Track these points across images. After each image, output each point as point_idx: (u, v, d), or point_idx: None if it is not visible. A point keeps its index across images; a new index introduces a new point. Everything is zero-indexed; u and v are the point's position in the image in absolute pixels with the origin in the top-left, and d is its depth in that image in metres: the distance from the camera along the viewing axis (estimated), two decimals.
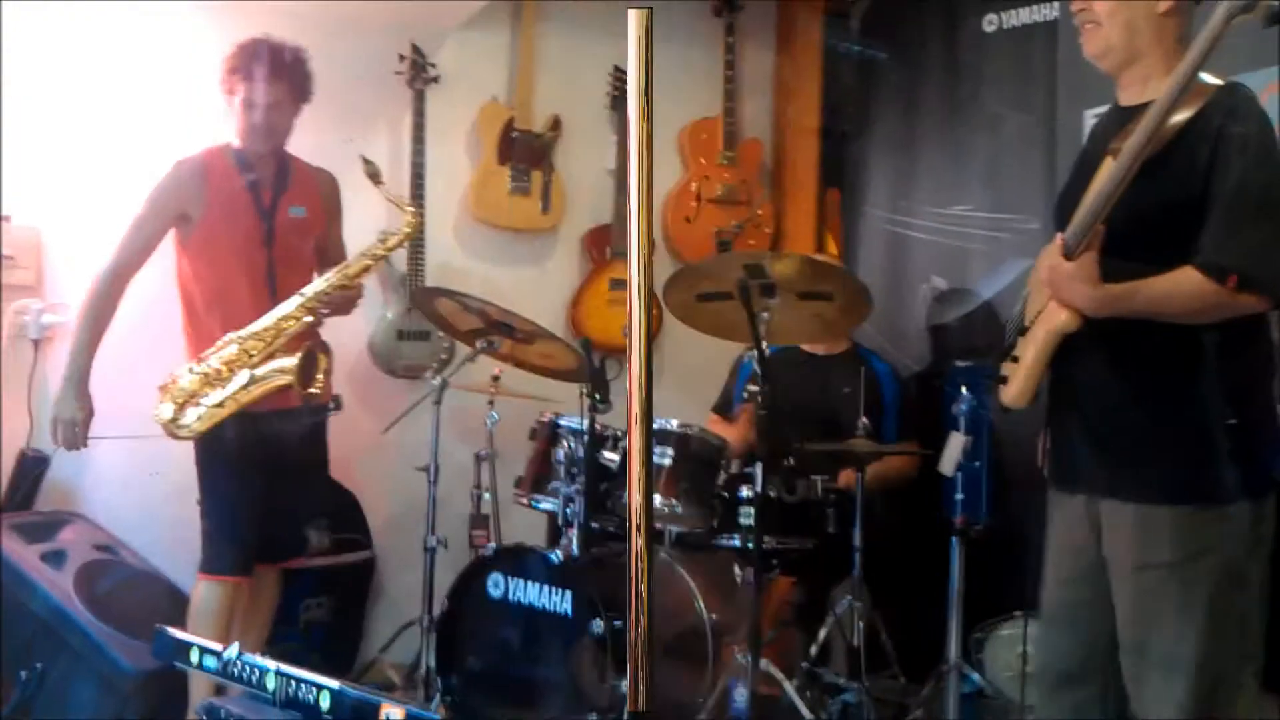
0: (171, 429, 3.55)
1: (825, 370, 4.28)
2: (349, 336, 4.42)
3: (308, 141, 3.82)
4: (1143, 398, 2.41)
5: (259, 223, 3.64)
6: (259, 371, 3.51)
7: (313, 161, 3.84)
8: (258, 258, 3.63)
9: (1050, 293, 2.44)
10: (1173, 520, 2.36)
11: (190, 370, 3.54)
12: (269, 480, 3.63)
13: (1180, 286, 2.29)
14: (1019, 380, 2.50)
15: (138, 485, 4.18)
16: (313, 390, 3.55)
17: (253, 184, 3.65)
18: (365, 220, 4.08)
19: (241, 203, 3.64)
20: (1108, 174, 2.35)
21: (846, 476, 3.94)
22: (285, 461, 3.65)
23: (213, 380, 3.51)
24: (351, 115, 4.49)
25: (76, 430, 3.56)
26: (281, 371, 3.50)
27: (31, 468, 4.02)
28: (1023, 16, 4.40)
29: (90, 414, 3.58)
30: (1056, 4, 4.20)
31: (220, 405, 3.52)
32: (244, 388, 3.51)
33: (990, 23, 4.50)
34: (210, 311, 3.62)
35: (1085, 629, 2.53)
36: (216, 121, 3.78)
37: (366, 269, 3.62)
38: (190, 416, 3.53)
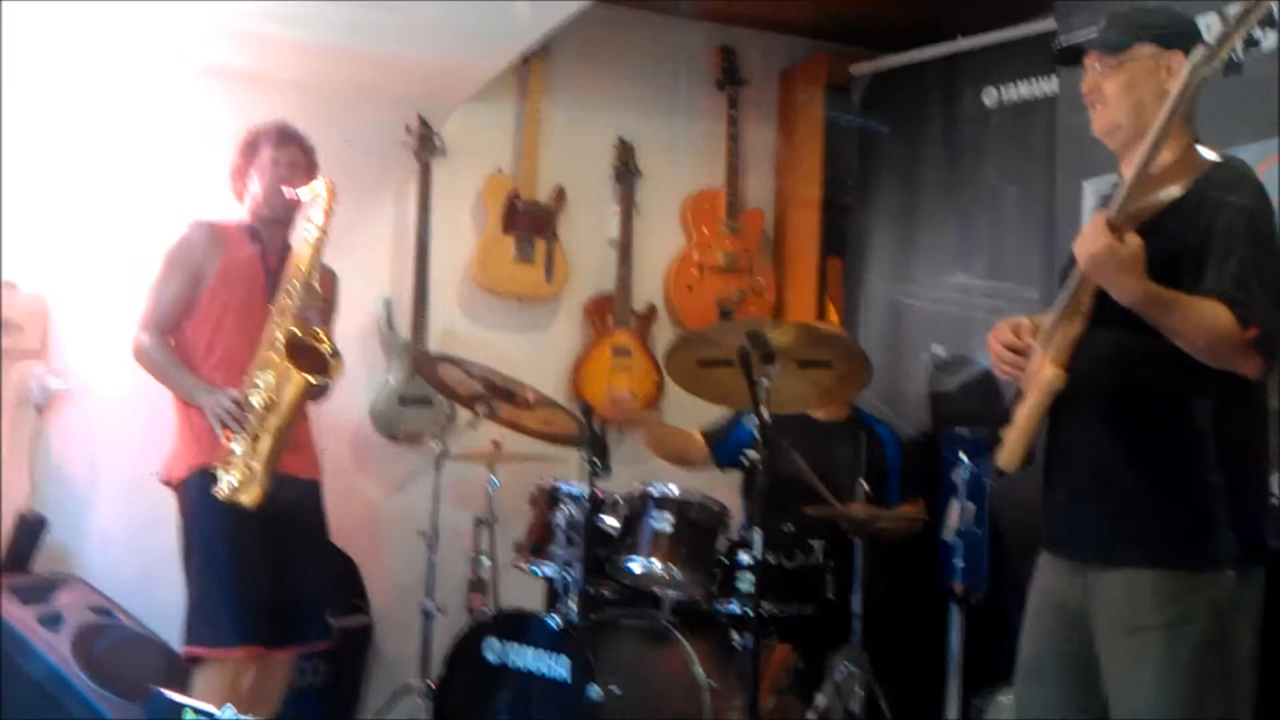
0: (237, 497, 3.35)
1: (826, 435, 4.27)
2: (351, 401, 4.45)
3: None
4: (1133, 461, 2.40)
5: (267, 292, 3.58)
6: (261, 397, 3.39)
7: None
8: (263, 320, 3.52)
9: (1091, 271, 2.33)
10: (1156, 584, 2.34)
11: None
12: (278, 559, 3.48)
13: (1216, 315, 2.24)
14: (1011, 441, 2.49)
15: (134, 548, 4.19)
16: (334, 356, 3.44)
17: (263, 255, 3.64)
18: (369, 289, 4.10)
19: (252, 269, 3.63)
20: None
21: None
22: (288, 537, 3.50)
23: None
24: (358, 185, 4.55)
25: (227, 404, 3.40)
26: (281, 380, 3.37)
27: (30, 529, 4.03)
28: (1022, 91, 4.46)
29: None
30: (1055, 79, 4.26)
31: (255, 449, 3.35)
32: (269, 417, 3.36)
33: (990, 97, 4.56)
34: (214, 374, 3.54)
35: (1061, 683, 2.49)
36: (223, 192, 3.80)
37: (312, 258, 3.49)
38: (235, 477, 3.36)
